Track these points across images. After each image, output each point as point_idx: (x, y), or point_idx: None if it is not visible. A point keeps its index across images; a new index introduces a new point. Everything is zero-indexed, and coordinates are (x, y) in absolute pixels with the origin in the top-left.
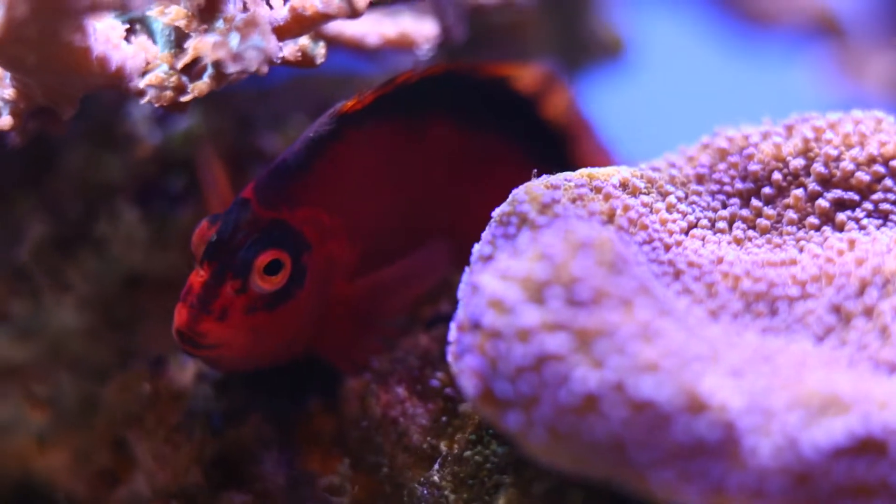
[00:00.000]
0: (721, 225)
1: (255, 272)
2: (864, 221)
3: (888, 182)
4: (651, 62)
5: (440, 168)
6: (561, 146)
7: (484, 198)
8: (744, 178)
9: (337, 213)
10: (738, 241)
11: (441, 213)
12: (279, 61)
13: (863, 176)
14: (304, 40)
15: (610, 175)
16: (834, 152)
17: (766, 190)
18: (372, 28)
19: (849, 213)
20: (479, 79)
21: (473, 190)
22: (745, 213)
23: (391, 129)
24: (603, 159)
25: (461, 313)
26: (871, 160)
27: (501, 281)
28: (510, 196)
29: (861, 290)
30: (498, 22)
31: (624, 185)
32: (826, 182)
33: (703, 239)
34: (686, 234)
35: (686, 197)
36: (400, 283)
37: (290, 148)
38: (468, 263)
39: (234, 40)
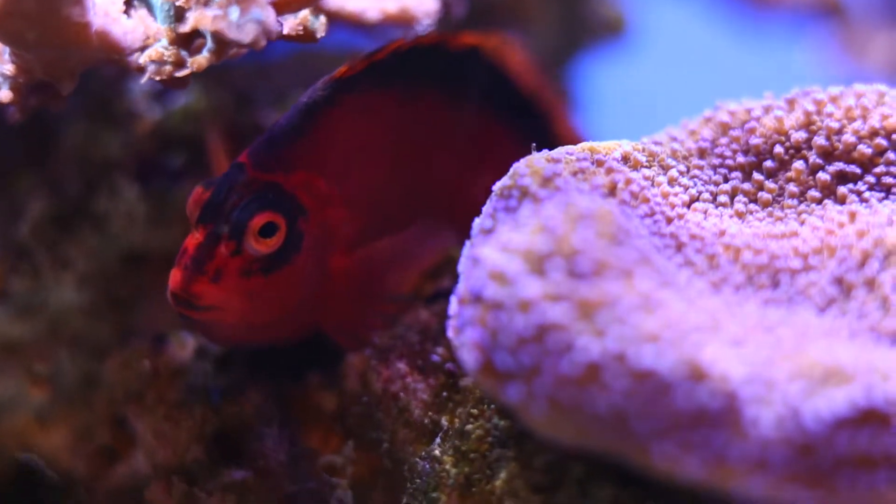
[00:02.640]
0: (723, 198)
1: (249, 233)
2: (866, 194)
3: (890, 155)
4: (653, 41)
5: (432, 138)
6: (534, 112)
7: (474, 170)
8: (745, 152)
9: (333, 179)
10: (740, 215)
11: (435, 186)
12: (279, 35)
13: (865, 149)
14: (305, 14)
15: (612, 149)
16: (836, 125)
17: (768, 163)
18: (372, 3)
19: (850, 186)
20: (453, 49)
21: (464, 162)
22: (746, 186)
23: (384, 96)
24: (573, 130)
25: (462, 286)
26: (874, 133)
27: (503, 253)
28: (511, 169)
29: (862, 262)
30: None
31: (625, 159)
32: (828, 155)
33: (704, 212)
34: (688, 207)
35: (688, 171)
36: (396, 255)
37: (285, 114)
38: (465, 238)
39: (234, 13)
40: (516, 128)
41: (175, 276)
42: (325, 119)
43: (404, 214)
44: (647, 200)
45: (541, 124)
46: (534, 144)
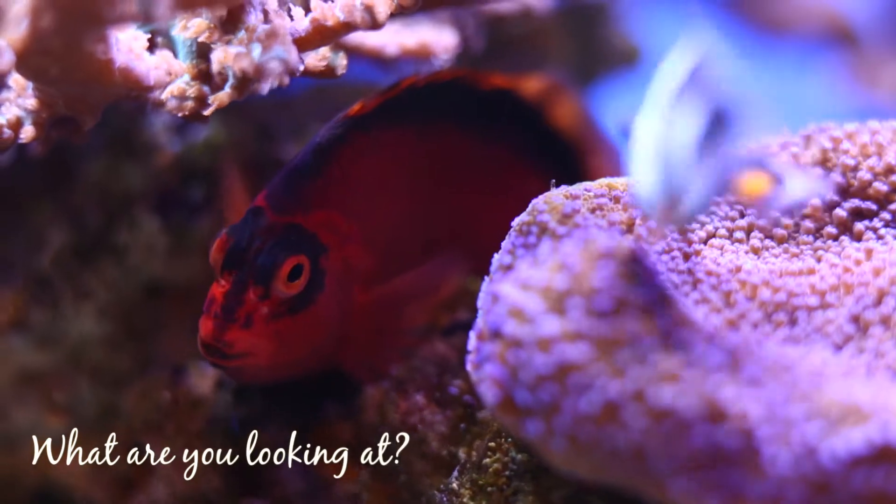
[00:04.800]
0: (739, 235)
1: (275, 278)
2: (882, 231)
3: None
4: None
5: (449, 175)
6: (570, 155)
7: (495, 208)
8: None
9: (351, 216)
10: (756, 251)
11: (453, 223)
12: (301, 72)
13: (880, 186)
14: (325, 51)
15: (629, 185)
16: (851, 162)
17: None
18: (392, 38)
19: (866, 222)
20: (484, 87)
21: (484, 199)
22: (762, 222)
23: (398, 133)
24: (613, 168)
25: (481, 322)
26: (889, 170)
27: (522, 291)
28: (530, 206)
29: (879, 300)
30: (516, 32)
31: None
32: (844, 192)
33: (721, 248)
34: (704, 243)
35: None
36: (415, 291)
37: (299, 153)
38: (482, 273)
39: (257, 51)
40: (548, 167)
41: (206, 325)
42: (339, 158)
43: (421, 250)
44: (664, 237)
45: (575, 164)
46: (553, 181)
